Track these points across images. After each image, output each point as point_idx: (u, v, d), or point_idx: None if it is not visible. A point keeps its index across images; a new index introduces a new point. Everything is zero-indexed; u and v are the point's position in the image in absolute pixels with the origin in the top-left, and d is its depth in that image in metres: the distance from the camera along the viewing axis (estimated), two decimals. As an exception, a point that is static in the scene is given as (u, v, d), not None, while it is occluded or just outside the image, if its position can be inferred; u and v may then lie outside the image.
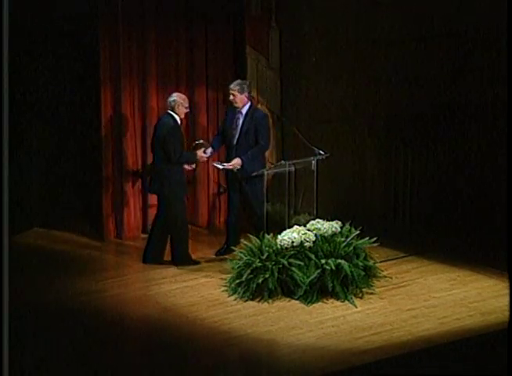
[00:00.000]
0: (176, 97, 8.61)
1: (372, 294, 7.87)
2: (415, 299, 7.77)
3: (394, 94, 9.40)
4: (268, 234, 8.10)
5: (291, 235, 7.85)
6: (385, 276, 8.18)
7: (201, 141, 8.82)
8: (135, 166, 9.64)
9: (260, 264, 7.80)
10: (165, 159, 8.51)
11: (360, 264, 7.90)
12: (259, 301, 7.74)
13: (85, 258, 9.09)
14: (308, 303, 7.66)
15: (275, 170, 8.67)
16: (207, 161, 9.28)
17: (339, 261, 7.77)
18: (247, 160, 8.72)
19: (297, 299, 7.72)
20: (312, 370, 6.47)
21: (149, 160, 9.67)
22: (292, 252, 7.82)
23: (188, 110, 8.73)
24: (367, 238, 8.12)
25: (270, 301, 7.73)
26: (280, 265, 7.77)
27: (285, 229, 8.02)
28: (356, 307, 7.61)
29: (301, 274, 7.72)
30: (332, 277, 7.72)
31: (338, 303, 7.69)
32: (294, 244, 7.82)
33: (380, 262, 8.38)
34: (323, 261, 7.77)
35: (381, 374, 6.53)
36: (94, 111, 9.52)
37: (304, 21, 9.79)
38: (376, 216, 9.58)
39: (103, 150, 9.48)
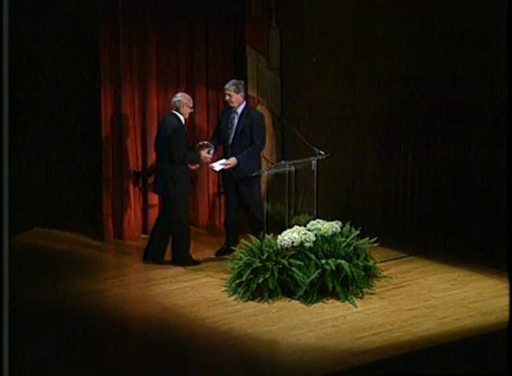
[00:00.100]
0: (181, 97, 8.62)
1: (372, 294, 7.87)
2: (415, 299, 7.77)
3: (394, 94, 9.40)
4: (269, 234, 8.10)
5: (291, 235, 7.85)
6: (385, 277, 8.18)
7: (206, 141, 8.82)
8: (135, 166, 9.65)
9: (260, 264, 7.80)
10: (169, 159, 8.51)
11: (360, 264, 7.90)
12: (259, 302, 7.74)
13: (85, 258, 9.10)
14: (309, 303, 7.66)
15: (276, 170, 8.68)
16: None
17: (339, 261, 7.77)
18: (243, 160, 8.73)
19: (297, 299, 7.72)
20: (313, 371, 6.46)
21: (150, 160, 9.70)
22: (292, 252, 7.82)
23: (192, 110, 8.75)
24: (367, 238, 8.12)
25: (270, 301, 7.73)
26: (280, 266, 7.77)
27: (285, 229, 8.02)
28: (356, 307, 7.61)
29: (301, 274, 7.72)
30: (332, 277, 7.72)
31: (338, 303, 7.68)
32: (294, 244, 7.82)
33: (381, 262, 8.38)
34: (323, 261, 7.77)
35: (381, 374, 6.53)
36: (94, 111, 9.53)
37: (304, 21, 9.80)
38: (377, 216, 9.58)
39: (103, 150, 9.49)
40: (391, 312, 7.50)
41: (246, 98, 9.01)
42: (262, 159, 9.88)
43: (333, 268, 7.71)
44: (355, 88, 9.71)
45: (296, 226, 7.99)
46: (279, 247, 7.86)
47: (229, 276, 8.05)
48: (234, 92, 8.79)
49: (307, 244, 7.84)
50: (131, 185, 9.65)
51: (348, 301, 7.69)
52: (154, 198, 9.79)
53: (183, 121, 8.62)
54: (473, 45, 8.73)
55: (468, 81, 8.83)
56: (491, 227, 8.67)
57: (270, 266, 7.77)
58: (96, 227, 9.78)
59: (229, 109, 8.93)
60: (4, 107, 5.86)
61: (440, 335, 6.99)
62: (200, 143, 8.81)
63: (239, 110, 8.88)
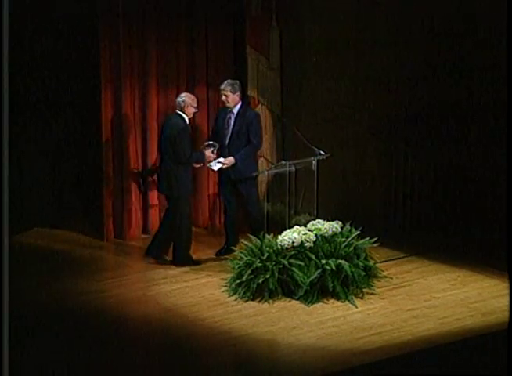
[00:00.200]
0: (185, 97, 8.62)
1: (372, 294, 7.87)
2: (415, 299, 7.77)
3: (394, 94, 9.39)
4: (269, 234, 8.10)
5: (292, 235, 7.85)
6: (385, 277, 8.18)
7: (211, 142, 8.81)
8: (135, 166, 9.64)
9: (260, 264, 7.80)
10: (174, 159, 8.51)
11: (360, 264, 7.90)
12: (259, 302, 7.74)
13: (85, 258, 9.09)
14: (309, 303, 7.66)
15: (276, 170, 8.67)
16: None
17: (339, 261, 7.77)
18: (241, 159, 8.73)
19: (297, 299, 7.72)
20: (313, 371, 6.47)
21: (151, 160, 9.69)
22: (292, 252, 7.82)
23: (197, 110, 8.77)
24: (367, 238, 8.12)
25: (270, 301, 7.73)
26: (281, 266, 7.77)
27: (285, 230, 8.02)
28: (357, 307, 7.61)
29: (301, 274, 7.72)
30: (332, 277, 7.72)
31: (339, 303, 7.69)
32: (295, 244, 7.82)
33: (381, 262, 8.38)
34: (324, 261, 7.77)
35: (382, 374, 6.53)
36: (94, 111, 9.51)
37: (304, 21, 9.79)
38: (377, 216, 9.58)
39: (104, 150, 9.48)
40: (391, 312, 7.50)
41: (243, 98, 9.00)
42: (262, 159, 9.90)
43: (334, 268, 7.71)
44: (355, 88, 9.71)
45: (296, 226, 7.99)
46: (279, 247, 7.86)
47: (229, 276, 8.04)
48: (230, 92, 8.80)
49: (307, 244, 7.84)
50: (132, 185, 9.63)
51: (349, 301, 7.69)
52: (154, 198, 9.78)
53: (187, 121, 8.63)
54: (473, 45, 8.73)
55: (468, 81, 8.83)
56: (491, 227, 8.67)
57: (270, 266, 7.76)
58: (96, 227, 9.77)
59: (225, 109, 8.94)
60: (4, 107, 5.86)
61: (440, 335, 6.99)
62: (206, 143, 8.80)
63: (236, 110, 8.88)
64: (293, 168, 8.42)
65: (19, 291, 7.23)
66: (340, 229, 8.07)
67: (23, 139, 9.59)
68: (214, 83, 9.85)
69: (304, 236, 7.85)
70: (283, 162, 8.53)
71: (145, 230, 9.80)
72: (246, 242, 8.13)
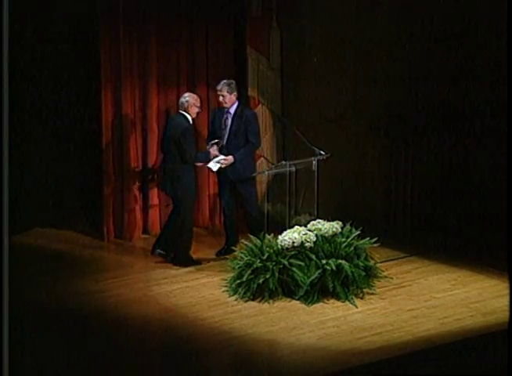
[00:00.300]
0: (188, 97, 8.63)
1: (372, 294, 7.87)
2: (416, 299, 7.77)
3: (395, 94, 9.40)
4: (269, 234, 8.10)
5: (292, 235, 7.85)
6: (386, 277, 8.17)
7: (216, 140, 8.80)
8: (135, 166, 9.64)
9: (260, 264, 7.80)
10: (178, 159, 8.51)
11: (361, 264, 7.90)
12: (260, 302, 7.74)
13: (86, 258, 9.09)
14: (309, 303, 7.66)
15: (276, 170, 8.67)
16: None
17: (340, 261, 7.77)
18: (239, 158, 8.73)
19: (297, 299, 7.72)
20: (313, 371, 6.47)
21: (151, 159, 9.69)
22: (293, 252, 7.82)
23: (200, 110, 8.77)
24: (368, 238, 8.12)
25: (271, 301, 7.73)
26: (281, 266, 7.77)
27: (286, 230, 8.02)
28: (357, 307, 7.61)
29: (301, 274, 7.72)
30: (333, 277, 7.72)
31: (339, 303, 7.68)
32: (295, 244, 7.82)
33: (381, 262, 8.38)
34: (324, 261, 7.77)
35: (382, 374, 6.53)
36: (94, 111, 9.52)
37: (304, 21, 9.79)
38: (377, 216, 9.58)
39: (104, 150, 9.48)
40: (391, 312, 7.50)
41: (239, 97, 9.00)
42: (262, 159, 9.90)
43: (334, 268, 7.71)
44: (355, 88, 9.71)
45: (296, 226, 7.99)
46: (279, 247, 7.86)
47: (230, 276, 8.04)
48: (227, 92, 8.80)
49: (307, 244, 7.84)
50: (132, 185, 9.63)
51: (349, 301, 7.69)
52: (154, 198, 9.79)
53: (191, 121, 8.63)
54: (473, 45, 8.73)
55: (468, 81, 8.83)
56: (491, 227, 8.67)
57: (270, 266, 7.76)
58: (96, 227, 9.77)
59: (222, 109, 8.94)
60: (4, 107, 5.86)
61: (440, 335, 6.99)
62: (212, 142, 8.78)
63: (232, 110, 8.88)
64: (293, 168, 8.42)
65: (19, 291, 7.22)
66: (340, 230, 8.07)
67: (23, 139, 9.59)
68: (214, 83, 9.81)
69: (304, 237, 7.85)
70: (283, 162, 8.53)
71: (145, 230, 9.80)
72: (246, 242, 8.13)
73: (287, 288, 7.78)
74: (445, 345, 6.79)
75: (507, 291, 7.20)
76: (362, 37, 9.56)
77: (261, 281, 7.73)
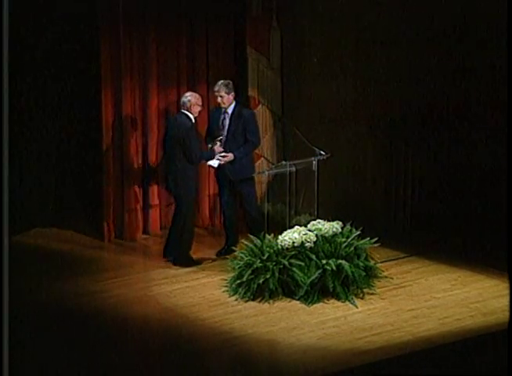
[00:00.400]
0: (190, 97, 8.63)
1: (373, 294, 7.87)
2: (416, 300, 7.77)
3: (395, 94, 9.39)
4: (269, 234, 8.10)
5: (292, 235, 7.85)
6: (386, 277, 8.17)
7: (220, 138, 8.79)
8: (135, 166, 9.63)
9: (261, 264, 7.79)
10: (183, 159, 8.50)
11: (361, 264, 7.90)
12: (260, 302, 7.74)
13: (86, 258, 9.09)
14: (309, 303, 7.66)
15: (276, 170, 8.67)
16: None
17: (340, 261, 7.77)
18: (239, 156, 8.73)
19: (297, 300, 7.72)
20: (313, 371, 6.47)
21: (151, 159, 9.68)
22: (293, 252, 7.82)
23: (202, 109, 8.77)
24: (368, 238, 8.12)
25: (271, 301, 7.73)
26: (281, 266, 7.77)
27: (286, 230, 8.01)
28: (357, 307, 7.61)
29: (301, 274, 7.72)
30: (333, 278, 7.72)
31: (339, 303, 7.68)
32: (295, 244, 7.82)
33: (381, 262, 8.38)
34: (324, 261, 7.76)
35: (382, 374, 6.53)
36: (95, 111, 9.51)
37: (304, 21, 9.79)
38: (377, 216, 9.57)
39: (104, 150, 9.48)
40: (391, 312, 7.50)
41: (236, 97, 8.99)
42: (262, 159, 9.90)
43: (334, 268, 7.71)
44: (355, 88, 9.70)
45: (296, 227, 7.99)
46: (279, 247, 7.86)
47: (230, 276, 8.04)
48: (225, 93, 8.79)
49: (307, 245, 7.84)
50: (132, 185, 9.63)
51: (349, 301, 7.68)
52: (154, 198, 9.78)
53: (193, 120, 8.63)
54: (473, 45, 8.73)
55: (468, 81, 8.83)
56: (491, 227, 8.67)
57: (271, 266, 7.76)
58: (96, 227, 9.77)
59: (219, 109, 8.93)
60: (4, 107, 5.86)
61: (440, 336, 6.99)
62: (216, 140, 8.77)
63: (230, 110, 8.87)
64: (293, 168, 8.42)
65: (19, 291, 7.22)
66: (340, 230, 8.07)
67: (23, 139, 9.59)
68: (214, 83, 9.83)
69: (304, 237, 7.84)
70: (284, 162, 8.53)
71: (145, 230, 9.80)
72: (246, 242, 8.13)
73: (287, 288, 7.78)
74: (445, 345, 6.79)
75: (507, 291, 7.20)
76: (362, 37, 9.55)
77: (261, 281, 7.73)
